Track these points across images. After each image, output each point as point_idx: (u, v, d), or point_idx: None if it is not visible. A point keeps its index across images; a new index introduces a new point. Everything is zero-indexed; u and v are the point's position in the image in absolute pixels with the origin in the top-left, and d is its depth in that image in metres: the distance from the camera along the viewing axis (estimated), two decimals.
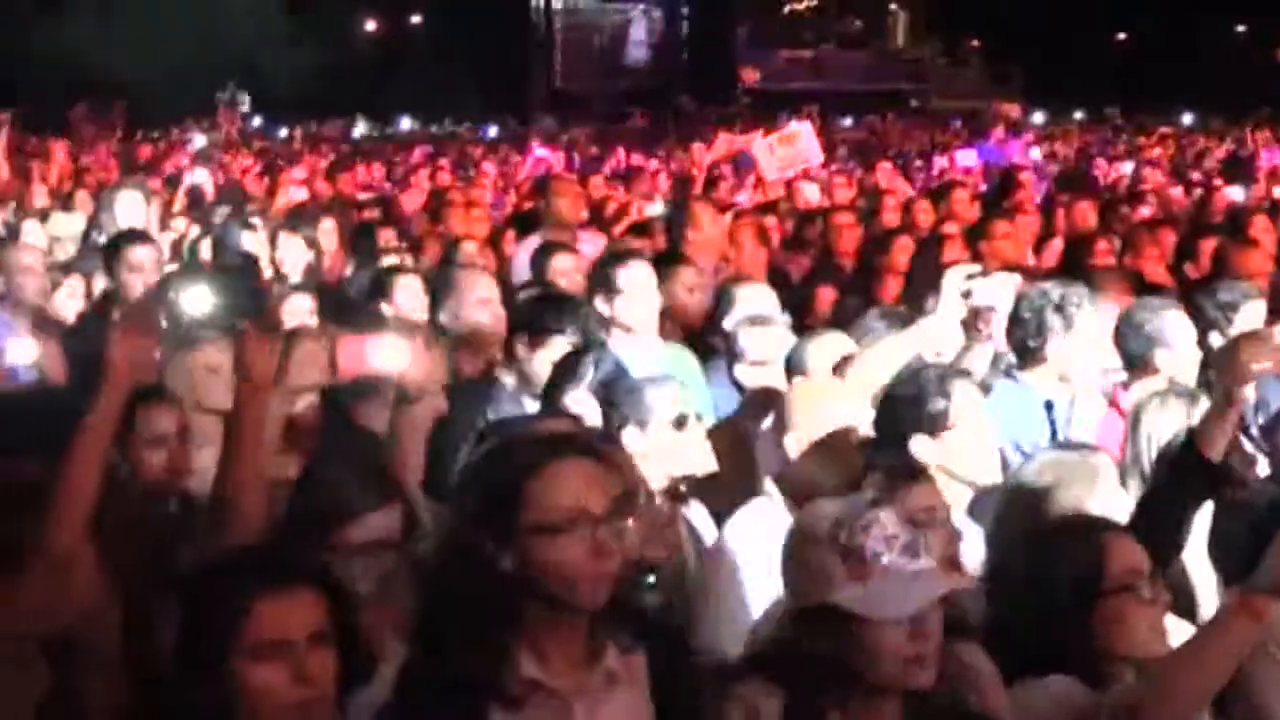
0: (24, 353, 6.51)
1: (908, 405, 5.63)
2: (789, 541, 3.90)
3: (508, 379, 7.09)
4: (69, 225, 11.36)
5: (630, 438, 5.73)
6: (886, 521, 3.76)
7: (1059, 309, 6.79)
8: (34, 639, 4.13)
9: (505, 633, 3.70)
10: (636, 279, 7.74)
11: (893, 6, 58.07)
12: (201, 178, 18.68)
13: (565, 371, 6.45)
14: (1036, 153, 23.62)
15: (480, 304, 7.40)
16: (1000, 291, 6.66)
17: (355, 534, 4.48)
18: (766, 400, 6.18)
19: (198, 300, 4.29)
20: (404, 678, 3.82)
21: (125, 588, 4.36)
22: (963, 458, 5.54)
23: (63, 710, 4.21)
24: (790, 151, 16.24)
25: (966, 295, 6.49)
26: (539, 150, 24.14)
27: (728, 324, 7.81)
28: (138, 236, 8.94)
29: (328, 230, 12.37)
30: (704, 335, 8.27)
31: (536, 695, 3.66)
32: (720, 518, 5.71)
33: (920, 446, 5.53)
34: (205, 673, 3.61)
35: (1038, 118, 40.33)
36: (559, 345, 6.86)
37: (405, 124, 41.36)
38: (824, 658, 3.76)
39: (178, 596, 3.83)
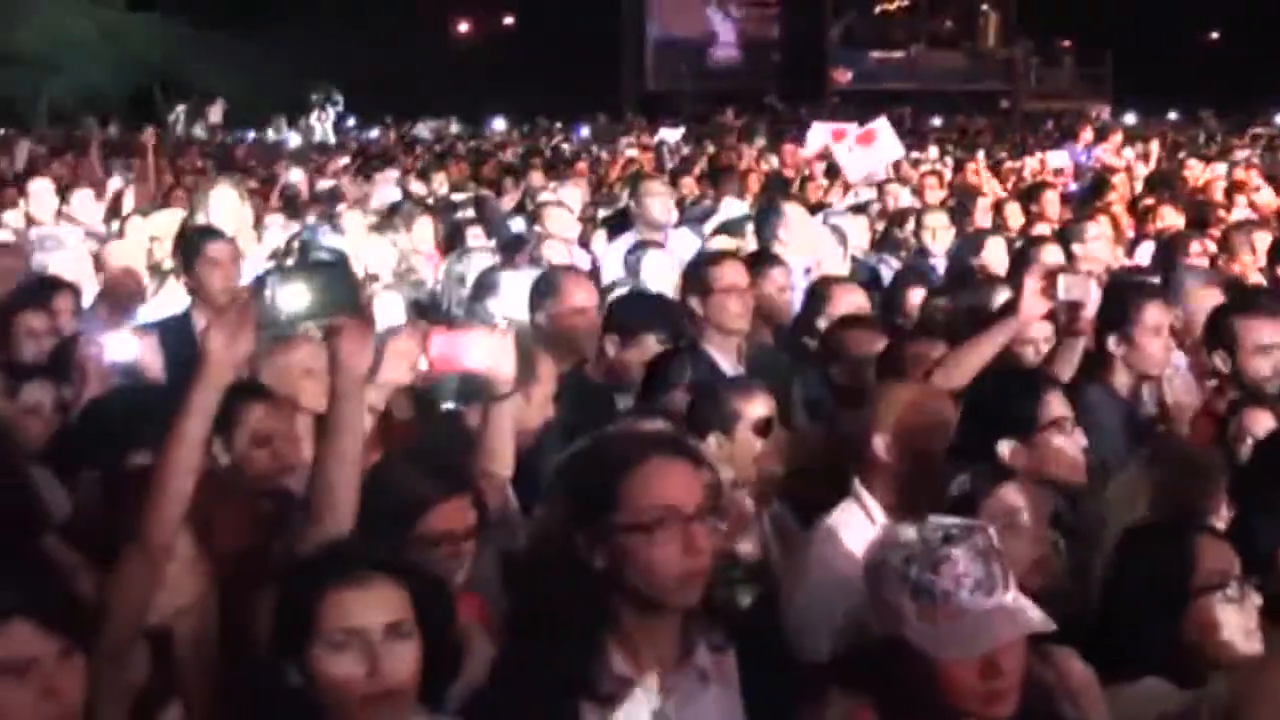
0: (124, 349, 6.58)
1: (995, 407, 5.60)
2: (866, 570, 3.87)
3: (598, 378, 7.13)
4: (168, 224, 11.44)
5: (716, 439, 5.75)
6: (959, 559, 3.68)
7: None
8: (131, 630, 4.17)
9: (598, 631, 3.73)
10: (729, 279, 7.76)
11: (984, 7, 57.65)
12: (296, 177, 18.83)
13: (657, 372, 6.48)
14: (1130, 153, 23.45)
15: (577, 306, 7.41)
16: (1089, 288, 6.62)
17: (420, 526, 4.51)
18: (858, 400, 6.18)
19: (294, 296, 4.30)
20: (496, 673, 3.85)
21: (225, 583, 4.40)
22: (1051, 459, 5.50)
23: (160, 700, 4.26)
24: (869, 151, 16.13)
25: (1054, 292, 6.46)
26: (630, 150, 24.16)
27: (822, 323, 7.81)
28: (214, 233, 9.00)
29: (421, 229, 12.44)
30: (795, 335, 8.27)
31: (629, 693, 3.69)
32: (809, 519, 5.72)
33: (1008, 449, 5.51)
34: (290, 665, 3.68)
35: (1130, 118, 39.97)
36: (650, 345, 6.89)
37: (498, 124, 41.40)
38: (904, 682, 3.75)
39: (272, 591, 3.90)
